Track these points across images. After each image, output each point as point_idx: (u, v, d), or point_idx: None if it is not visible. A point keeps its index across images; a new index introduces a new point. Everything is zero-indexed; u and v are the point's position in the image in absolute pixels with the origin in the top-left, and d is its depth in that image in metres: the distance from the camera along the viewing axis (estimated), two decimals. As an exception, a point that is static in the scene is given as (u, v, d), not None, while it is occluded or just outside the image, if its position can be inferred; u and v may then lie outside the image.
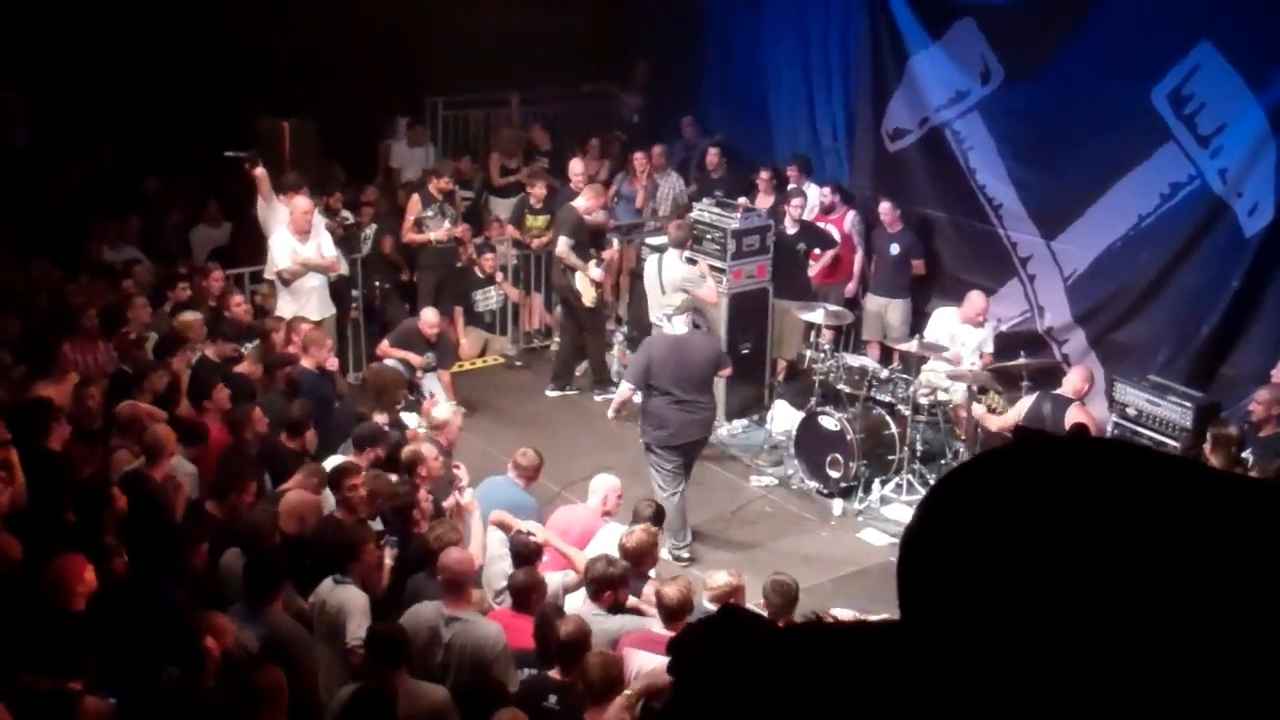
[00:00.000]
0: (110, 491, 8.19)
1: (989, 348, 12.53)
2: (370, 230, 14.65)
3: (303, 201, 12.64)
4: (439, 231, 14.04)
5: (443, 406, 10.87)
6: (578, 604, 8.25)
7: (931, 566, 1.27)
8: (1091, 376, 11.48)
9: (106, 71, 15.04)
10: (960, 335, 12.57)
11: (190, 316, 11.75)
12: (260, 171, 12.64)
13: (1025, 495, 1.24)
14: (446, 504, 9.35)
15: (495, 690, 6.95)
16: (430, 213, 14.16)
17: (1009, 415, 11.52)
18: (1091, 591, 1.17)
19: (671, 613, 7.66)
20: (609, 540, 9.07)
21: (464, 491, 9.30)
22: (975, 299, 12.64)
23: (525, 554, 8.48)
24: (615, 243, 14.80)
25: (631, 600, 8.22)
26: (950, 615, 1.24)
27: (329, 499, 8.98)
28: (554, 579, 8.54)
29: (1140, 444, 1.37)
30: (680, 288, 12.50)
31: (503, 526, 8.97)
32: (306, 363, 11.39)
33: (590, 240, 14.21)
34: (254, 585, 7.47)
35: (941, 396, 12.14)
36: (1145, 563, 1.17)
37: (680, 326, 11.22)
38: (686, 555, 10.99)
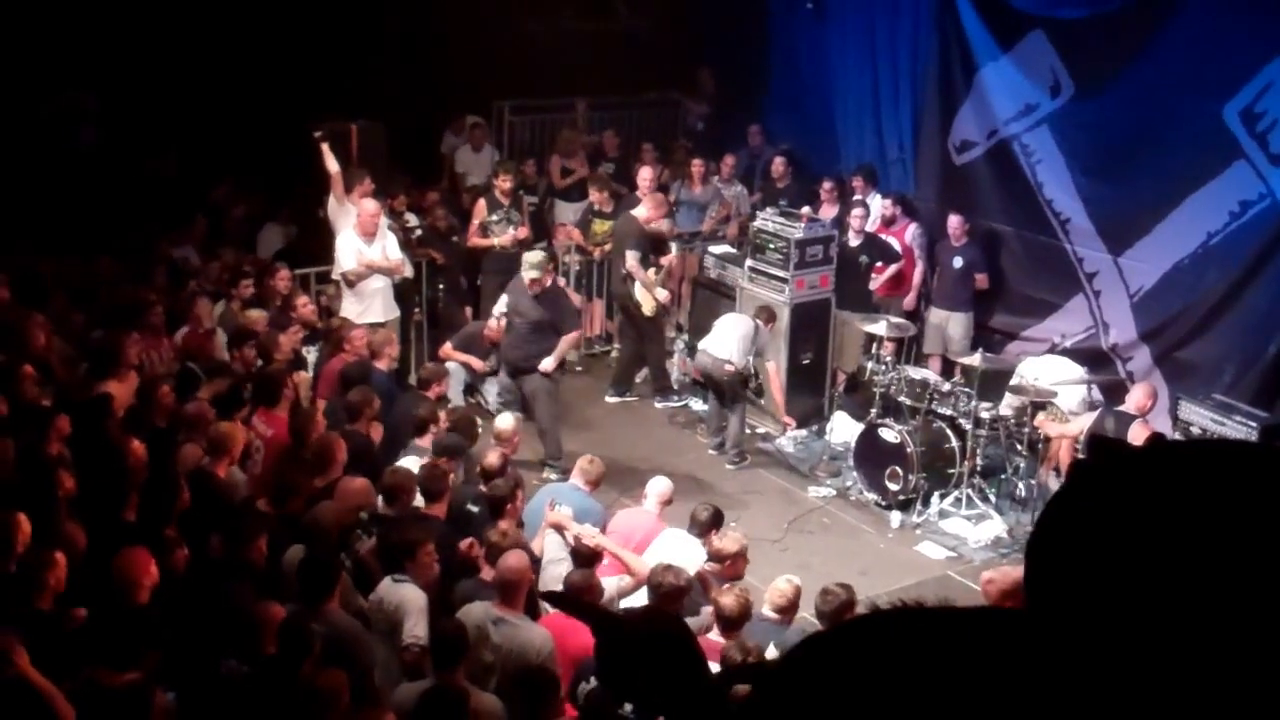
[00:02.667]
0: (177, 486, 8.31)
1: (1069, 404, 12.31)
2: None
3: (370, 204, 12.71)
4: (504, 237, 14.08)
5: (505, 417, 10.91)
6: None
7: (1068, 558, 1.28)
8: (1155, 393, 11.37)
9: (175, 73, 15.21)
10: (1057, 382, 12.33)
11: (255, 314, 11.89)
12: (336, 171, 12.72)
13: (1163, 496, 1.25)
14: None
15: (547, 691, 6.96)
16: (495, 218, 14.21)
17: (1071, 426, 11.43)
18: (1232, 594, 1.17)
19: (729, 622, 7.67)
20: (667, 544, 9.09)
21: (556, 507, 9.31)
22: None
23: (585, 557, 8.52)
24: (674, 248, 14.78)
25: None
26: (1085, 607, 1.24)
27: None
28: (609, 583, 8.56)
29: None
30: (753, 340, 12.65)
31: (559, 529, 9.00)
32: (380, 364, 11.53)
33: (652, 247, 14.22)
34: (309, 584, 7.48)
35: (1003, 411, 12.06)
36: None
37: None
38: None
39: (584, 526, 8.93)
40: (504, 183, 14.36)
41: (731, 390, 12.78)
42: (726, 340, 12.70)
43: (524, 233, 14.38)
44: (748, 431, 13.48)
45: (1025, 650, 1.27)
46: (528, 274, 12.05)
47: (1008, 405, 12.15)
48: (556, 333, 12.29)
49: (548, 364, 12.23)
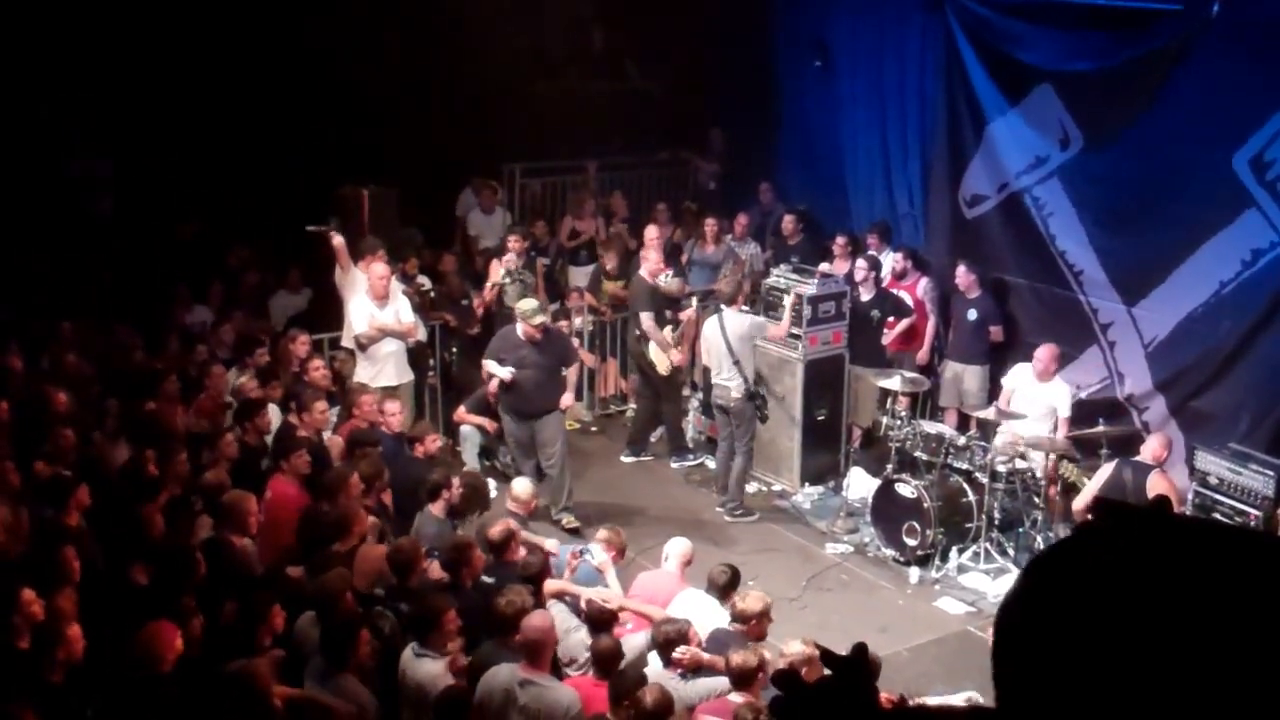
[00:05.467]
0: (193, 557, 8.31)
1: (1065, 411, 12.33)
2: None
3: (380, 268, 12.74)
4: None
5: (523, 481, 10.92)
6: (656, 670, 8.21)
7: (1029, 650, 1.27)
8: (1170, 443, 11.34)
9: (190, 140, 15.33)
10: (1031, 393, 12.42)
11: (247, 381, 11.87)
12: (339, 242, 12.74)
13: (1125, 582, 1.24)
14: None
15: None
16: (508, 280, 14.25)
17: (1088, 489, 11.34)
18: (1191, 684, 1.16)
19: (742, 679, 7.63)
20: (685, 604, 9.05)
21: (591, 555, 9.31)
22: (1041, 352, 12.49)
23: (601, 620, 8.46)
24: (695, 302, 14.82)
25: (707, 657, 8.20)
26: (1047, 701, 1.23)
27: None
28: (638, 640, 8.52)
29: (1234, 525, 1.36)
30: (751, 338, 12.55)
31: (559, 596, 8.93)
32: (384, 428, 11.55)
33: (666, 305, 14.26)
34: (330, 650, 7.48)
35: (1019, 464, 12.02)
36: (1244, 652, 1.16)
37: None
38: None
39: (595, 590, 8.89)
40: (515, 244, 14.41)
41: (741, 419, 12.77)
42: (723, 361, 12.73)
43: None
44: (764, 489, 13.47)
45: None
46: (535, 319, 12.13)
47: (1024, 456, 12.11)
48: (561, 369, 12.56)
49: (569, 398, 12.73)
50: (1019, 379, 12.64)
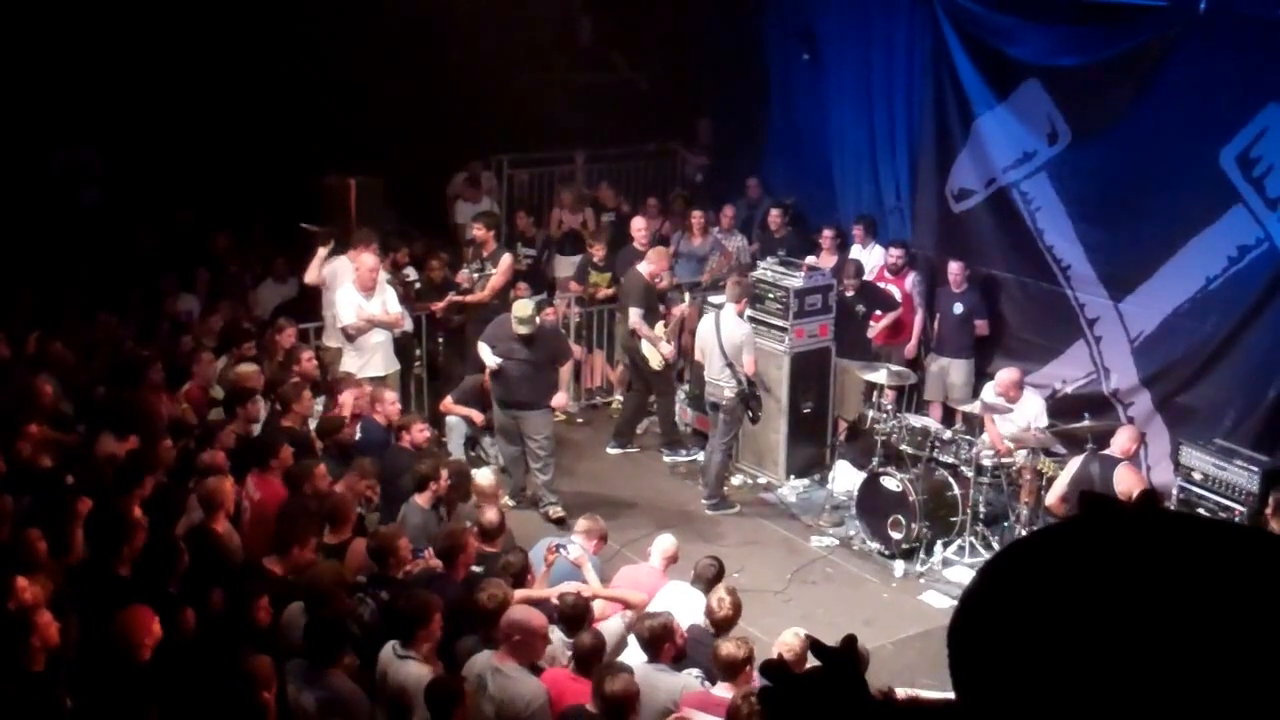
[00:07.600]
0: (178, 546, 8.28)
1: (1042, 422, 12.22)
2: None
3: (369, 258, 12.70)
4: (479, 293, 14.06)
5: (485, 473, 10.90)
6: (640, 663, 8.18)
7: (986, 645, 1.26)
8: (1141, 437, 11.40)
9: (177, 130, 15.28)
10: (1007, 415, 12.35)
11: (247, 368, 11.83)
12: (321, 252, 12.80)
13: (1084, 576, 1.22)
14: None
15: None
16: (468, 270, 14.21)
17: (1058, 482, 11.28)
18: (1149, 679, 1.15)
19: (730, 669, 7.63)
20: (671, 596, 9.04)
21: (567, 549, 9.30)
22: (1002, 375, 12.37)
23: (575, 616, 8.42)
24: (687, 297, 14.79)
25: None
26: (1003, 695, 1.22)
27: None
28: (614, 625, 8.51)
29: (1201, 517, 1.34)
30: (738, 346, 12.52)
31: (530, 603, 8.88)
32: (377, 417, 11.58)
33: (659, 298, 14.24)
34: (315, 647, 7.37)
35: (1005, 459, 12.01)
36: (1207, 647, 1.14)
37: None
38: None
39: (563, 585, 8.87)
40: (477, 231, 14.34)
41: (730, 414, 12.76)
42: (717, 360, 12.72)
43: (492, 288, 14.21)
44: (749, 482, 13.47)
45: None
46: (519, 328, 12.05)
47: (1016, 449, 12.09)
48: (553, 366, 12.46)
49: (560, 399, 12.67)
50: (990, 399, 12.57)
